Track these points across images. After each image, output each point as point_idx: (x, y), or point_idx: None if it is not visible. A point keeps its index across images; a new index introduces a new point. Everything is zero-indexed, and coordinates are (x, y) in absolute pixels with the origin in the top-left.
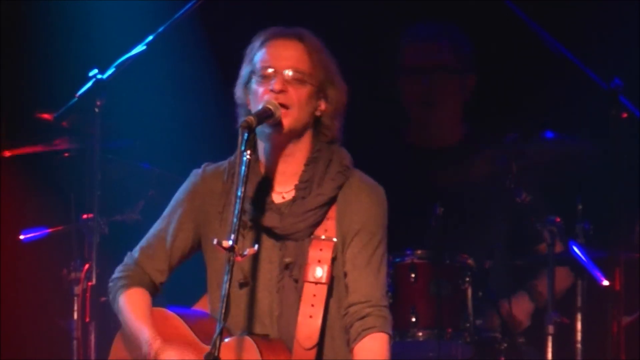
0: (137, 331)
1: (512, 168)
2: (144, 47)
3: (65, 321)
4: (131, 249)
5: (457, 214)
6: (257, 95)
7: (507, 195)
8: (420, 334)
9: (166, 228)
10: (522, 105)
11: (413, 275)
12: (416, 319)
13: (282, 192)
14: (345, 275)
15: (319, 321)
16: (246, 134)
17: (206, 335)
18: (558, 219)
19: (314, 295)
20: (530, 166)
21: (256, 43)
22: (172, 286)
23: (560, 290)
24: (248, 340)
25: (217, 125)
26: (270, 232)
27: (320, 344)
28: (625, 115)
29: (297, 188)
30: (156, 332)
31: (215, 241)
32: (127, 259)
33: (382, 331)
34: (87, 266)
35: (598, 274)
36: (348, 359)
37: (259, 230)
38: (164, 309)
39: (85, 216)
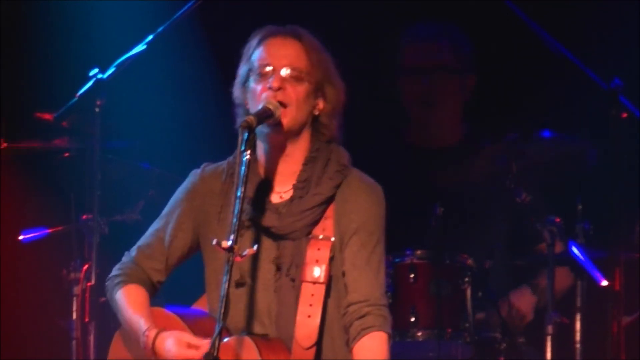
0: (133, 324)
1: (512, 168)
2: (144, 47)
3: (65, 321)
4: (130, 249)
5: (457, 214)
6: (255, 94)
7: (507, 195)
8: (420, 334)
9: (165, 228)
10: (522, 105)
11: (413, 275)
12: (416, 319)
13: (281, 191)
14: (343, 274)
15: (317, 321)
16: (246, 134)
17: (205, 334)
18: (558, 219)
19: (312, 295)
20: (530, 166)
21: (253, 42)
22: (171, 286)
23: (561, 289)
24: (247, 340)
25: (217, 125)
26: (269, 232)
27: (319, 344)
28: (625, 115)
29: (295, 187)
30: (152, 322)
31: (214, 241)
32: (125, 259)
33: (381, 330)
34: (86, 266)
35: (598, 274)
36: (347, 358)
37: (258, 230)
38: (162, 309)
39: (85, 216)
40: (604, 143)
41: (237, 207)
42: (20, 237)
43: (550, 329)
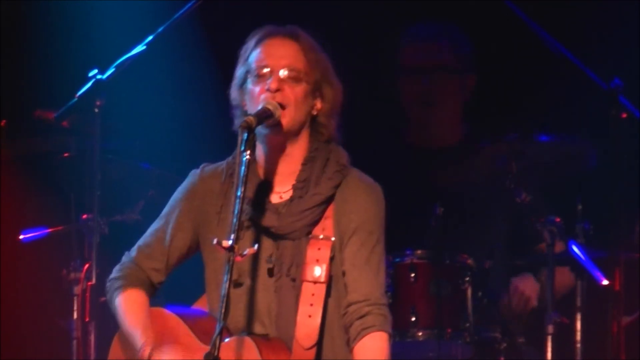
0: (131, 337)
1: (512, 168)
2: (144, 47)
3: (65, 321)
4: (130, 249)
5: (457, 214)
6: (253, 95)
7: (507, 195)
8: (420, 334)
9: (164, 228)
10: (522, 105)
11: (413, 275)
12: (416, 319)
13: (280, 192)
14: (343, 274)
15: (318, 320)
16: (246, 134)
17: (205, 335)
18: (558, 219)
19: (313, 295)
20: (530, 166)
21: (250, 43)
22: (171, 286)
23: (562, 287)
24: (247, 340)
25: (217, 125)
26: (268, 232)
27: (319, 344)
28: (625, 115)
29: (295, 187)
30: (149, 335)
31: (215, 241)
32: (125, 259)
33: (381, 330)
34: (87, 266)
35: (598, 274)
36: (348, 358)
37: (258, 230)
38: (162, 309)
39: (85, 216)
40: (604, 143)
41: (237, 207)
42: (20, 237)
43: (550, 329)
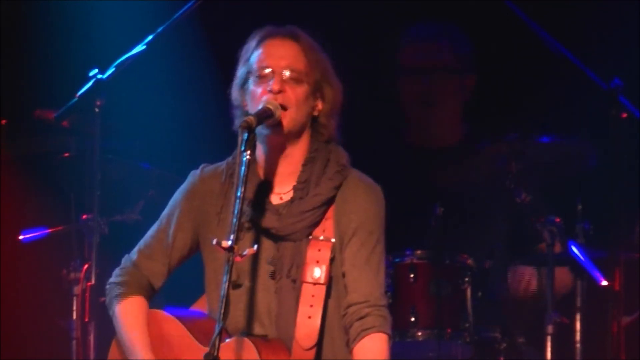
0: (129, 352)
1: (512, 168)
2: (144, 47)
3: (65, 321)
4: (131, 249)
5: (457, 214)
6: (254, 96)
7: (507, 195)
8: (420, 334)
9: (165, 229)
10: (522, 105)
11: (413, 275)
12: (416, 319)
13: (280, 192)
14: (343, 275)
15: (318, 321)
16: (246, 134)
17: (204, 336)
18: (558, 219)
19: (313, 296)
20: (530, 166)
21: (251, 43)
22: (170, 286)
23: (561, 287)
24: (246, 341)
25: (217, 125)
26: (269, 233)
27: (319, 344)
28: (625, 115)
29: (295, 188)
30: (146, 352)
31: (214, 241)
32: (125, 262)
33: (381, 331)
34: (86, 266)
35: (597, 274)
36: (347, 359)
37: (258, 231)
38: (161, 311)
39: (85, 216)
40: (604, 143)
41: (237, 207)
42: (20, 237)
43: (550, 329)
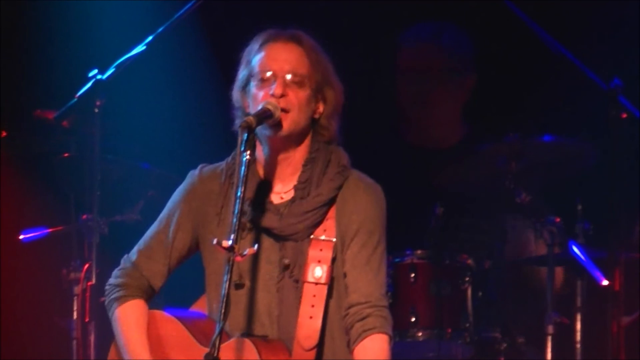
0: (128, 356)
1: (512, 168)
2: (144, 47)
3: (65, 321)
4: (130, 249)
5: (457, 214)
6: (256, 99)
7: (507, 195)
8: (420, 334)
9: (164, 230)
10: (522, 105)
11: (413, 275)
12: (416, 319)
13: (281, 192)
14: (345, 275)
15: (319, 322)
16: (246, 134)
17: (204, 337)
18: (558, 219)
19: (314, 296)
20: (530, 166)
21: (254, 46)
22: (170, 287)
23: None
24: (247, 341)
25: (217, 126)
26: (269, 233)
27: (320, 345)
28: (624, 115)
29: (296, 188)
30: (147, 356)
31: (215, 241)
32: (125, 262)
33: (382, 332)
34: (86, 266)
35: (597, 274)
36: (348, 359)
37: (258, 230)
38: (161, 312)
39: (85, 216)
40: (604, 143)
41: (237, 207)
42: (20, 237)
43: (550, 329)
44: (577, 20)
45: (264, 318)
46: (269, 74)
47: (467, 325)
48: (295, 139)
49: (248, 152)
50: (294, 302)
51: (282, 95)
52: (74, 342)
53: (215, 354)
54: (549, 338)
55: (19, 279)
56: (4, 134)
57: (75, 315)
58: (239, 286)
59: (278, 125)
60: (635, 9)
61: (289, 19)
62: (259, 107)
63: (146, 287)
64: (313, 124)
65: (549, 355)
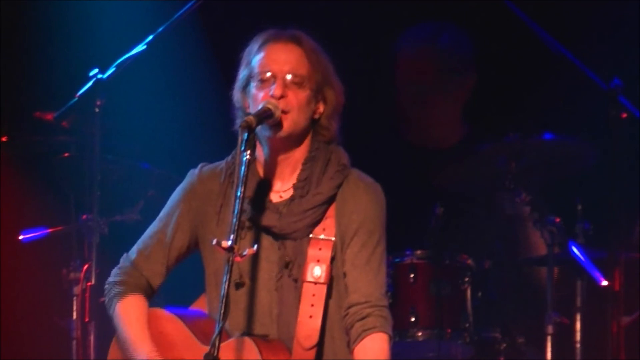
0: (133, 351)
1: (512, 168)
2: (144, 47)
3: (65, 321)
4: (130, 249)
5: (457, 214)
6: (256, 100)
7: (507, 195)
8: (420, 334)
9: (164, 229)
10: (522, 105)
11: (413, 275)
12: (416, 319)
13: (280, 191)
14: (344, 275)
15: (318, 321)
16: (246, 134)
17: (205, 335)
18: (558, 219)
19: (314, 295)
20: (530, 166)
21: (254, 46)
22: (170, 286)
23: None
24: (247, 340)
25: (217, 125)
26: (269, 232)
27: (320, 344)
28: (624, 115)
29: (295, 187)
30: (153, 347)
31: (214, 241)
32: (124, 261)
33: (382, 331)
34: (86, 266)
35: (597, 274)
36: (348, 359)
37: (258, 229)
38: (161, 310)
39: (85, 216)
40: (604, 143)
41: (237, 206)
42: (20, 237)
43: (550, 329)
44: (577, 20)
45: (264, 317)
46: (268, 74)
47: (467, 325)
48: (295, 139)
49: (248, 151)
50: (294, 302)
51: (282, 97)
52: (74, 342)
53: (215, 354)
54: (549, 338)
55: (19, 279)
56: (4, 138)
57: (75, 315)
58: (238, 285)
59: (278, 125)
60: (635, 9)
61: (289, 19)
62: (259, 107)
63: (145, 286)
64: (313, 124)
65: (549, 355)
